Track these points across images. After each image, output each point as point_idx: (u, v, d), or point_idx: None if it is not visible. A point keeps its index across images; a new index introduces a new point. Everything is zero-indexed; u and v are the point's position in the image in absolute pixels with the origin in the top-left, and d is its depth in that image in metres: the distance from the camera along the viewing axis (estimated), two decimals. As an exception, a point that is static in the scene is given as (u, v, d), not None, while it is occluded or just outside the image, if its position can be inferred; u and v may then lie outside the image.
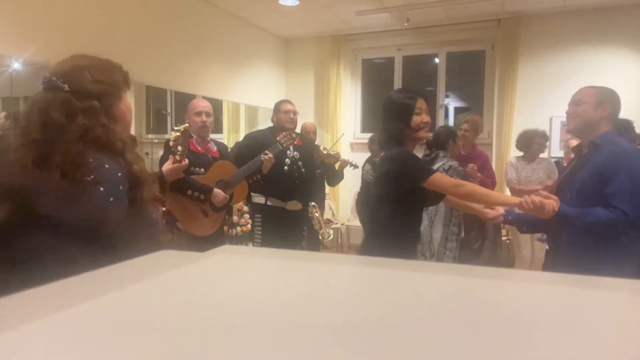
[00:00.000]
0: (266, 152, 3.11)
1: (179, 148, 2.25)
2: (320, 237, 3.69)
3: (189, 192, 2.77)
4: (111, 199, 1.14)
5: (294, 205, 3.40)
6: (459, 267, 0.59)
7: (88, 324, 0.40)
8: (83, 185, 1.12)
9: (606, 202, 1.86)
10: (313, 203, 3.71)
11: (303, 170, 3.42)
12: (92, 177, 1.12)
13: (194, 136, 2.90)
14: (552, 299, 0.50)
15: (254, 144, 3.30)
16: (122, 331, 0.39)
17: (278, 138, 3.26)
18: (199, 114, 2.90)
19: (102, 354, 0.35)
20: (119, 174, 1.17)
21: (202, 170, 2.88)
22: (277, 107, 3.47)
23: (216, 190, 2.86)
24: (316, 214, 3.57)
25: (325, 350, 0.36)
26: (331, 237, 3.69)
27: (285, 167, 3.32)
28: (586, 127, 2.05)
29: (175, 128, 2.33)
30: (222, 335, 0.39)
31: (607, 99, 2.10)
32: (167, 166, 2.25)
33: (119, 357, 0.34)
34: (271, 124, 3.53)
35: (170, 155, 2.27)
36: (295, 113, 3.46)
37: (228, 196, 2.94)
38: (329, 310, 0.45)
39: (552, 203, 1.82)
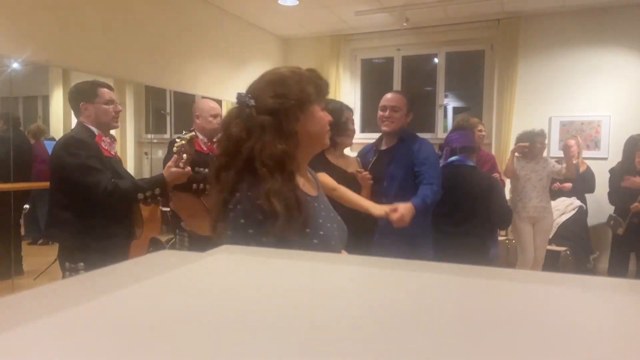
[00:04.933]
0: None
1: (184, 156, 2.24)
2: None
3: (194, 186, 2.78)
4: (242, 221, 1.11)
5: None
6: (459, 267, 0.59)
7: (88, 324, 0.40)
8: (230, 204, 1.14)
9: (419, 181, 2.38)
10: None
11: None
12: (237, 195, 1.13)
13: (200, 136, 2.93)
14: (552, 299, 0.50)
15: None
16: (122, 331, 0.39)
17: None
18: (216, 116, 2.94)
19: (101, 355, 0.35)
20: (259, 202, 1.11)
21: (206, 170, 2.89)
22: None
23: None
24: None
25: (326, 350, 0.36)
26: None
27: None
28: (399, 129, 2.50)
29: (182, 136, 2.31)
30: (222, 335, 0.39)
31: (412, 107, 2.55)
32: (169, 169, 2.24)
33: (118, 357, 0.34)
34: None
35: (175, 156, 2.27)
36: None
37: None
38: (329, 310, 0.45)
39: (409, 214, 2.13)
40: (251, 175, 1.14)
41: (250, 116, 1.16)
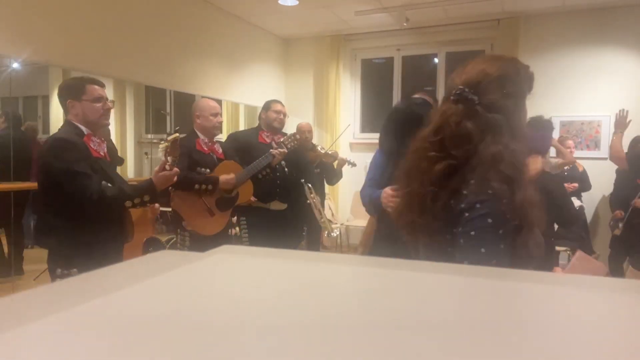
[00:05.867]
0: (276, 149, 3.12)
1: (169, 158, 2.18)
2: (325, 232, 3.62)
3: (196, 186, 2.78)
4: (501, 232, 1.02)
5: (277, 205, 3.35)
6: (459, 267, 0.59)
7: (88, 324, 0.40)
8: (465, 211, 1.04)
9: None
10: (308, 185, 3.60)
11: (286, 170, 3.34)
12: (478, 204, 1.02)
13: (201, 136, 2.93)
14: (553, 299, 0.50)
15: (238, 145, 3.28)
16: (122, 331, 0.39)
17: (282, 139, 3.26)
18: (216, 114, 2.96)
19: (101, 355, 0.35)
20: (506, 202, 1.02)
21: (208, 170, 2.91)
22: (268, 106, 3.41)
23: (222, 177, 2.88)
24: (313, 199, 3.50)
25: (326, 350, 0.36)
26: (334, 234, 3.65)
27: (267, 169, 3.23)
28: None
29: (168, 138, 2.23)
30: (221, 335, 0.38)
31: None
32: (157, 174, 2.17)
33: (118, 357, 0.34)
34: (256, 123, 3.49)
35: (162, 161, 2.22)
36: (285, 115, 3.42)
37: (235, 177, 2.94)
38: (328, 310, 0.45)
39: None
40: (484, 176, 1.03)
41: (478, 114, 1.07)
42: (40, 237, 2.14)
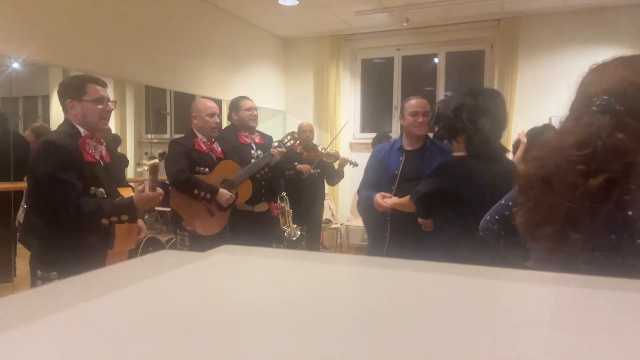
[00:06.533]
0: (275, 148, 3.10)
1: (147, 182, 2.10)
2: (286, 236, 3.66)
3: (195, 191, 2.78)
4: None
5: (261, 207, 3.30)
6: (459, 267, 0.59)
7: (88, 324, 0.40)
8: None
9: None
10: (283, 193, 3.59)
11: (269, 172, 3.23)
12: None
13: (199, 136, 2.93)
14: (553, 299, 0.50)
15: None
16: (122, 331, 0.39)
17: (280, 139, 3.26)
18: (212, 115, 2.93)
19: (101, 355, 0.35)
20: None
21: (207, 170, 2.90)
22: (237, 105, 3.26)
23: (222, 190, 2.87)
24: (284, 207, 3.53)
25: (325, 350, 0.36)
26: (297, 237, 3.71)
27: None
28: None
29: (147, 163, 2.14)
30: (221, 335, 0.38)
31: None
32: (141, 193, 2.09)
33: (118, 357, 0.34)
34: (229, 123, 3.39)
35: (146, 180, 2.14)
36: (257, 109, 3.31)
37: (234, 195, 2.94)
38: (328, 310, 0.45)
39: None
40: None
41: (628, 125, 1.02)
42: (25, 237, 2.09)
